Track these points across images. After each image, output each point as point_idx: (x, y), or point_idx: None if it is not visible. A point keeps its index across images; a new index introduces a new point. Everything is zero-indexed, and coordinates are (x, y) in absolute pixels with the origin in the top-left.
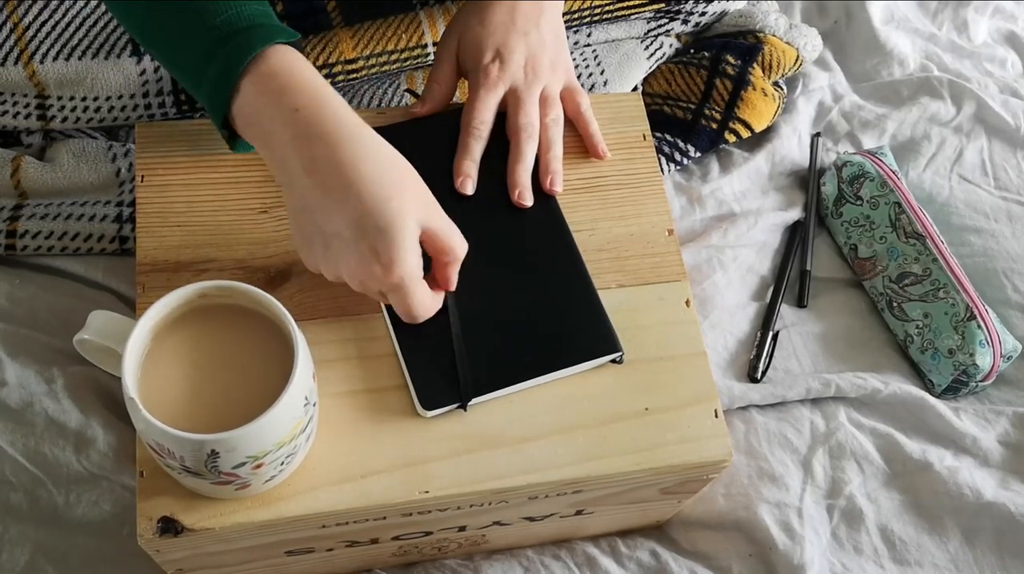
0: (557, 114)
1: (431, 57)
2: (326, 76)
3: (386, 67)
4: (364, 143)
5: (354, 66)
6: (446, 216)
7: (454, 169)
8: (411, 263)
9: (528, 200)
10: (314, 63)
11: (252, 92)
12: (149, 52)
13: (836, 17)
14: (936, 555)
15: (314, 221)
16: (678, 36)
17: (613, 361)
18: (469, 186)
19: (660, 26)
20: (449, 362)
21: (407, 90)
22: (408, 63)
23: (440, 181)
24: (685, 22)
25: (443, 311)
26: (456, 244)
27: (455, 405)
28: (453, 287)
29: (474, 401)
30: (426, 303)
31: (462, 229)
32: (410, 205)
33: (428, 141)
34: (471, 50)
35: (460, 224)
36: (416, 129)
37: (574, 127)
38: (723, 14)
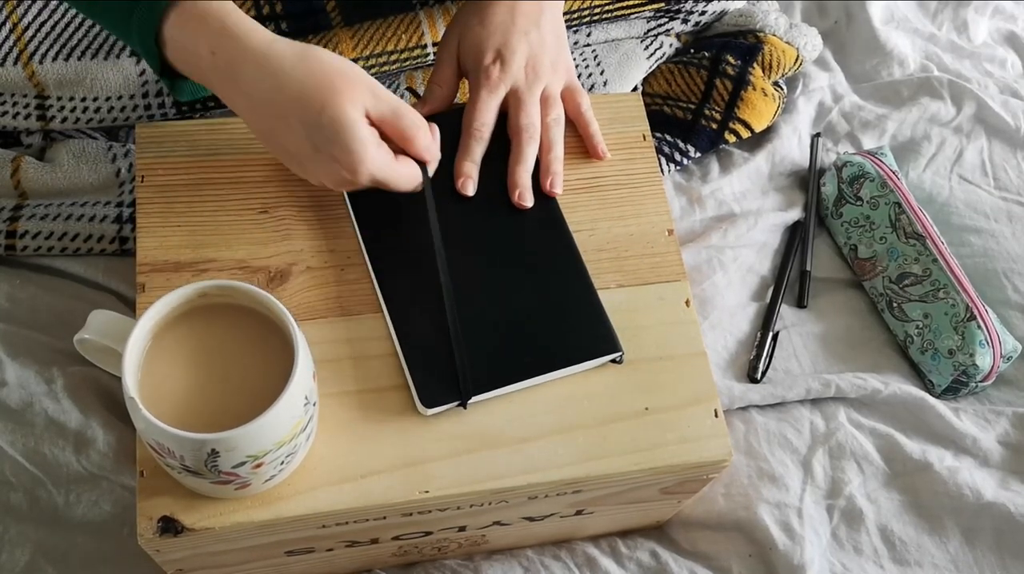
0: (558, 114)
1: (431, 57)
2: None
3: (386, 67)
4: (281, 66)
5: None
6: (390, 96)
7: (455, 170)
8: (371, 157)
9: (528, 201)
10: None
11: (175, 38)
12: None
13: (836, 17)
14: (936, 555)
15: (276, 144)
16: (678, 36)
17: (613, 361)
18: (470, 187)
19: (660, 25)
20: (449, 360)
21: (408, 88)
22: (408, 63)
23: (441, 181)
24: (685, 21)
25: (442, 309)
26: (408, 123)
27: (455, 403)
28: (433, 156)
29: (474, 399)
30: (408, 176)
31: (463, 229)
32: (346, 104)
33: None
34: (472, 51)
35: (461, 224)
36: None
37: (574, 127)
38: (723, 13)
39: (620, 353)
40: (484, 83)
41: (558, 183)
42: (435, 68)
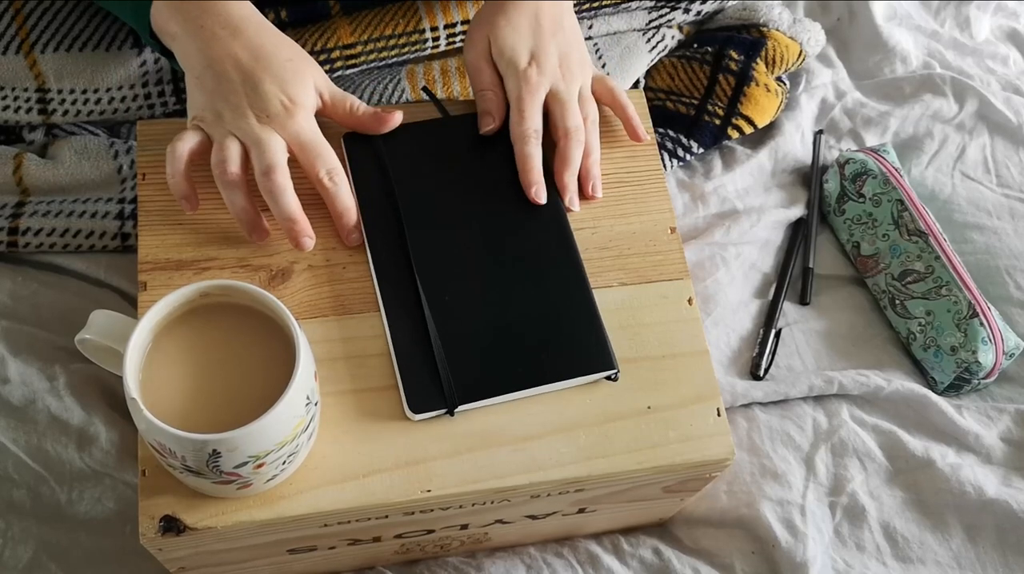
0: (595, 115)
1: (429, 43)
2: (324, 63)
3: (384, 53)
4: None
5: (352, 51)
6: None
7: (523, 181)
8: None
9: (577, 206)
10: (312, 49)
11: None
12: None
13: (839, 14)
14: (938, 552)
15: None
16: (680, 27)
17: (608, 378)
18: (542, 195)
19: (662, 15)
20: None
21: (423, 88)
22: (406, 49)
23: (450, 183)
24: (687, 11)
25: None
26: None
27: (443, 411)
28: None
29: (463, 408)
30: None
31: (466, 232)
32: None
33: (447, 143)
34: (505, 53)
35: (464, 227)
36: (437, 130)
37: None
38: (724, 4)
39: (615, 370)
40: (525, 87)
41: (599, 187)
42: (473, 74)
